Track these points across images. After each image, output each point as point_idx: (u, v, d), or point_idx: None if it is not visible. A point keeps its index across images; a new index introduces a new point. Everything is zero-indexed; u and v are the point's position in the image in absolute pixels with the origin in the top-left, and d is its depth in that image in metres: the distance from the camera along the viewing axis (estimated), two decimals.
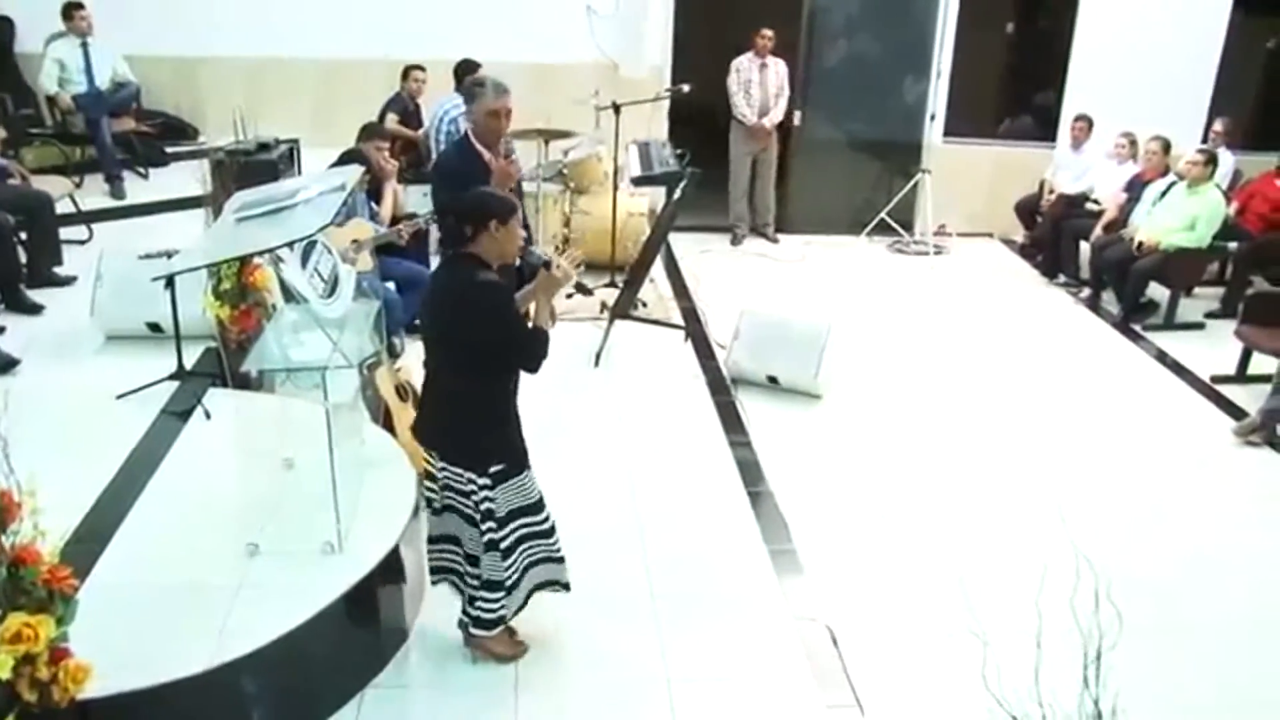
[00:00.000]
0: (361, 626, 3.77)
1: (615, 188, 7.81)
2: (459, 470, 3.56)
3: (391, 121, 8.13)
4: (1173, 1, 9.28)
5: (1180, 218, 7.80)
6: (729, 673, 3.94)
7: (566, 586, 3.88)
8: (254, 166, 6.90)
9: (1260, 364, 6.72)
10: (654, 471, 5.34)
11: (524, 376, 3.61)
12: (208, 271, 4.95)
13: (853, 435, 5.97)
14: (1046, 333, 7.80)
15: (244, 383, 5.02)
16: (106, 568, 3.63)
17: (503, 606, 3.70)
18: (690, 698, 3.77)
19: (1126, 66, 9.16)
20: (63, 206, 7.15)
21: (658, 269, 7.94)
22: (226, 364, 5.12)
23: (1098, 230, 8.45)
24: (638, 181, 8.08)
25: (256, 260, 4.88)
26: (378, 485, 4.17)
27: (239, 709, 3.37)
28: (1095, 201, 8.79)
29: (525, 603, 3.80)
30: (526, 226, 3.92)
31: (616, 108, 7.68)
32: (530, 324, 3.57)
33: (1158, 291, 8.07)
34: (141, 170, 8.61)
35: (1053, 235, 8.94)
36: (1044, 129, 9.89)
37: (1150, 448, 6.02)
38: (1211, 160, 7.84)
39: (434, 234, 6.20)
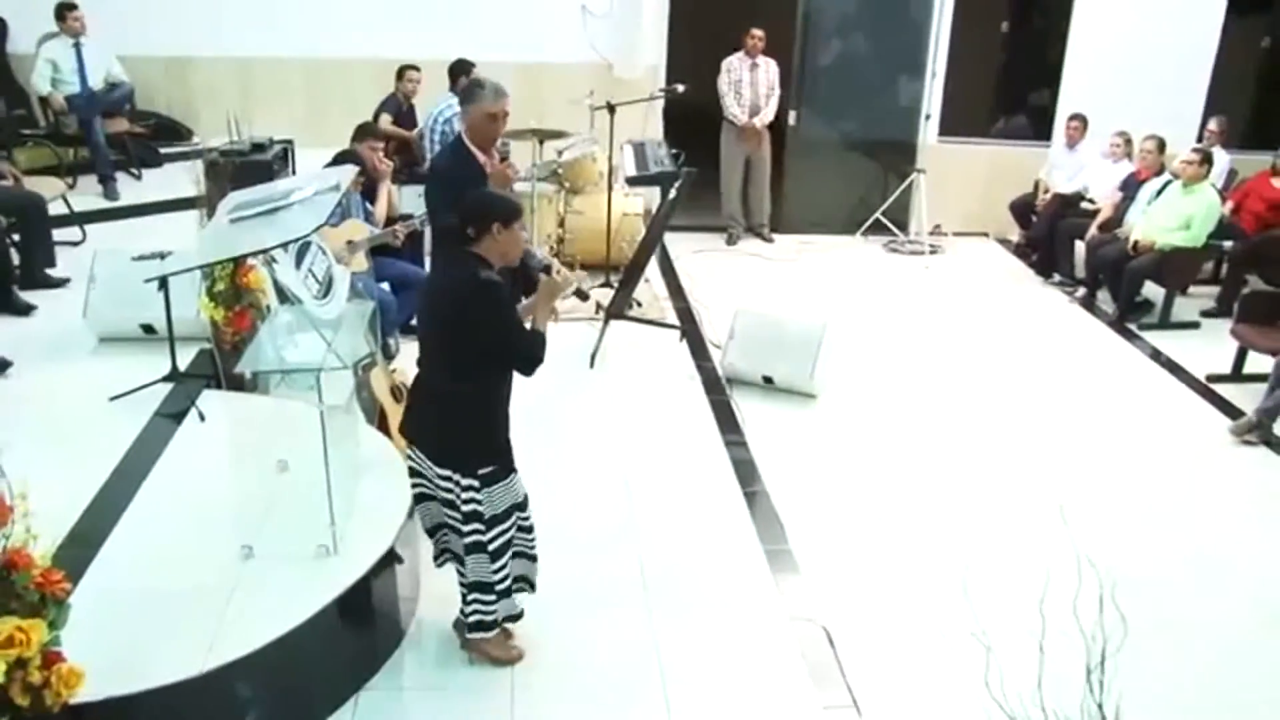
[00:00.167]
0: (357, 629, 3.76)
1: (610, 188, 7.80)
2: (446, 473, 3.55)
3: (386, 122, 8.11)
4: (1167, 1, 9.28)
5: (1175, 217, 7.80)
6: (725, 673, 3.93)
7: (532, 586, 3.88)
8: (248, 167, 6.90)
9: (1256, 363, 6.72)
10: (649, 472, 5.33)
11: (517, 379, 3.60)
12: (202, 273, 4.93)
13: (848, 435, 5.97)
14: (1042, 332, 7.79)
15: (238, 384, 5.00)
16: (100, 571, 3.62)
17: (494, 610, 3.70)
18: (686, 698, 3.77)
19: (1121, 66, 9.16)
20: (56, 208, 7.12)
21: (653, 269, 7.94)
22: (220, 365, 5.10)
23: (1093, 229, 8.44)
24: (633, 181, 8.07)
25: (251, 261, 4.87)
26: (373, 487, 4.16)
27: (233, 712, 3.35)
28: (1090, 201, 8.79)
29: (518, 612, 3.80)
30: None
31: (611, 108, 7.67)
32: (529, 326, 3.56)
33: (1153, 291, 8.07)
34: (135, 171, 8.60)
35: (1048, 235, 8.94)
36: (1039, 128, 9.89)
37: (1146, 447, 6.01)
38: (1207, 160, 7.83)
39: (428, 235, 6.19)
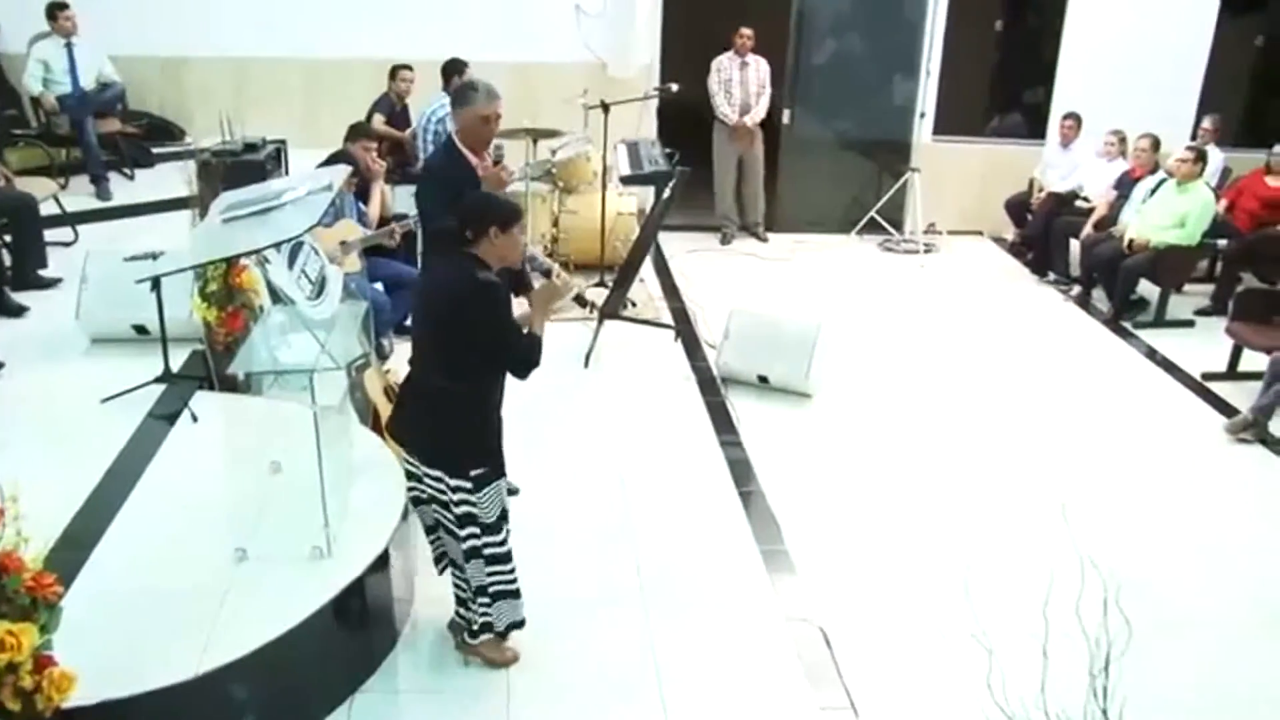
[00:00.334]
0: (351, 631, 3.74)
1: (604, 187, 7.79)
2: (438, 475, 3.53)
3: (378, 122, 8.08)
4: None
5: (1170, 215, 7.80)
6: (721, 674, 3.92)
7: (518, 625, 3.81)
8: (241, 167, 6.88)
9: (1250, 361, 6.72)
10: (645, 472, 5.32)
11: (512, 380, 3.58)
12: (194, 273, 4.91)
13: (844, 434, 5.96)
14: (1037, 331, 7.80)
15: (231, 385, 4.96)
16: (92, 574, 3.59)
17: (486, 614, 3.68)
18: (682, 700, 3.76)
19: (1115, 64, 9.15)
20: (47, 208, 7.09)
21: (647, 268, 7.92)
22: (213, 366, 5.07)
23: (1088, 228, 8.45)
24: (627, 181, 8.06)
25: (243, 261, 4.84)
26: (366, 488, 4.14)
27: (228, 716, 3.34)
28: (1085, 199, 8.79)
29: (506, 632, 3.79)
30: None
31: (605, 107, 7.66)
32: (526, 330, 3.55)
33: (1148, 289, 8.08)
34: (127, 171, 8.56)
35: (1043, 233, 8.94)
36: (1033, 127, 9.89)
37: (1142, 446, 6.01)
38: (1201, 158, 7.84)
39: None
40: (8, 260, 6.51)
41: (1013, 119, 10.21)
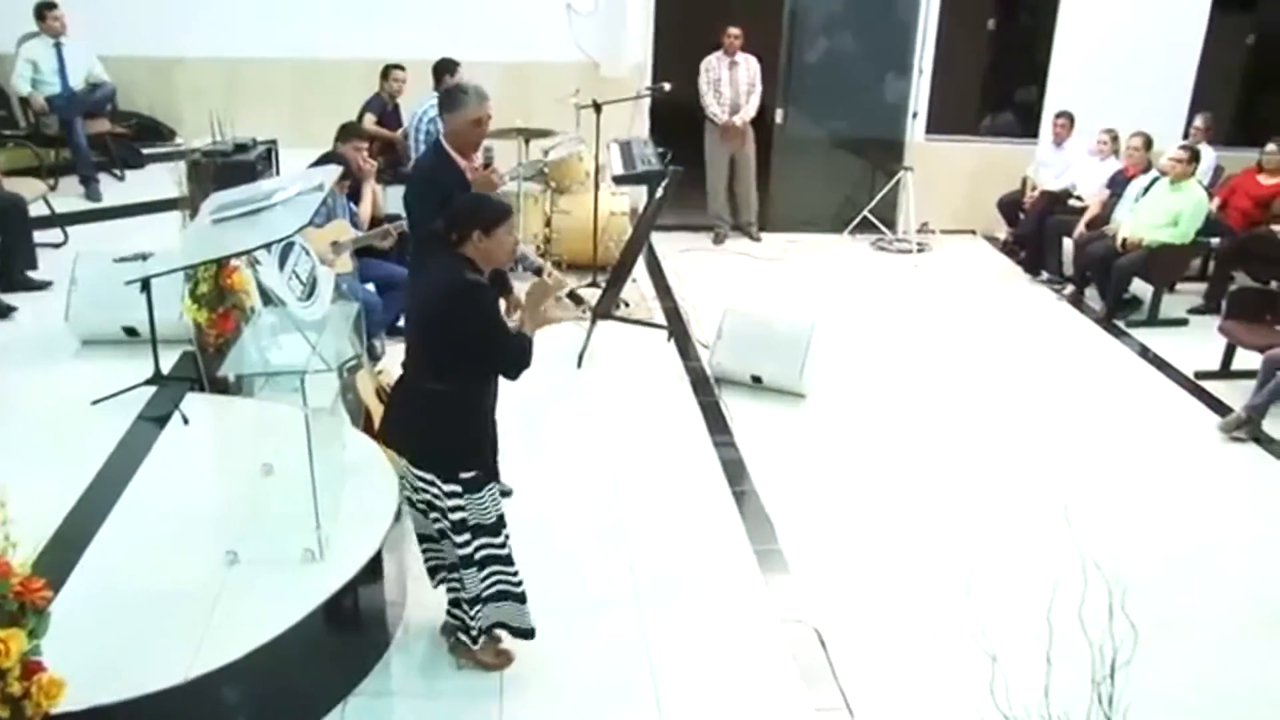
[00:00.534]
0: (344, 634, 3.72)
1: (596, 187, 7.77)
2: (429, 479, 3.51)
3: (370, 122, 8.06)
4: None
5: (1163, 214, 7.81)
6: (716, 675, 3.91)
7: (525, 634, 3.77)
8: (231, 168, 6.82)
9: (1244, 359, 6.73)
10: (638, 472, 5.30)
11: (504, 381, 3.56)
12: (185, 274, 4.88)
13: (837, 434, 5.95)
14: (1030, 330, 7.80)
15: (222, 387, 4.95)
16: (82, 578, 3.56)
17: (477, 617, 3.66)
18: (677, 701, 3.74)
19: (1107, 63, 9.16)
20: (37, 209, 7.04)
21: (640, 268, 7.91)
22: (204, 368, 5.05)
23: (1080, 227, 8.45)
24: (619, 180, 8.04)
25: (234, 262, 4.82)
26: (359, 490, 4.11)
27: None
28: (1078, 198, 8.80)
29: (491, 630, 3.76)
30: None
31: (597, 106, 7.64)
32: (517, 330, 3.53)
33: (1141, 288, 8.09)
34: (117, 172, 8.52)
35: (1036, 232, 8.95)
36: (1026, 126, 9.91)
37: (1135, 445, 6.01)
38: (1195, 158, 7.85)
39: None
40: None
41: (1005, 118, 10.24)
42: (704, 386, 6.36)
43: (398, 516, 3.99)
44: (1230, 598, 4.59)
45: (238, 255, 4.33)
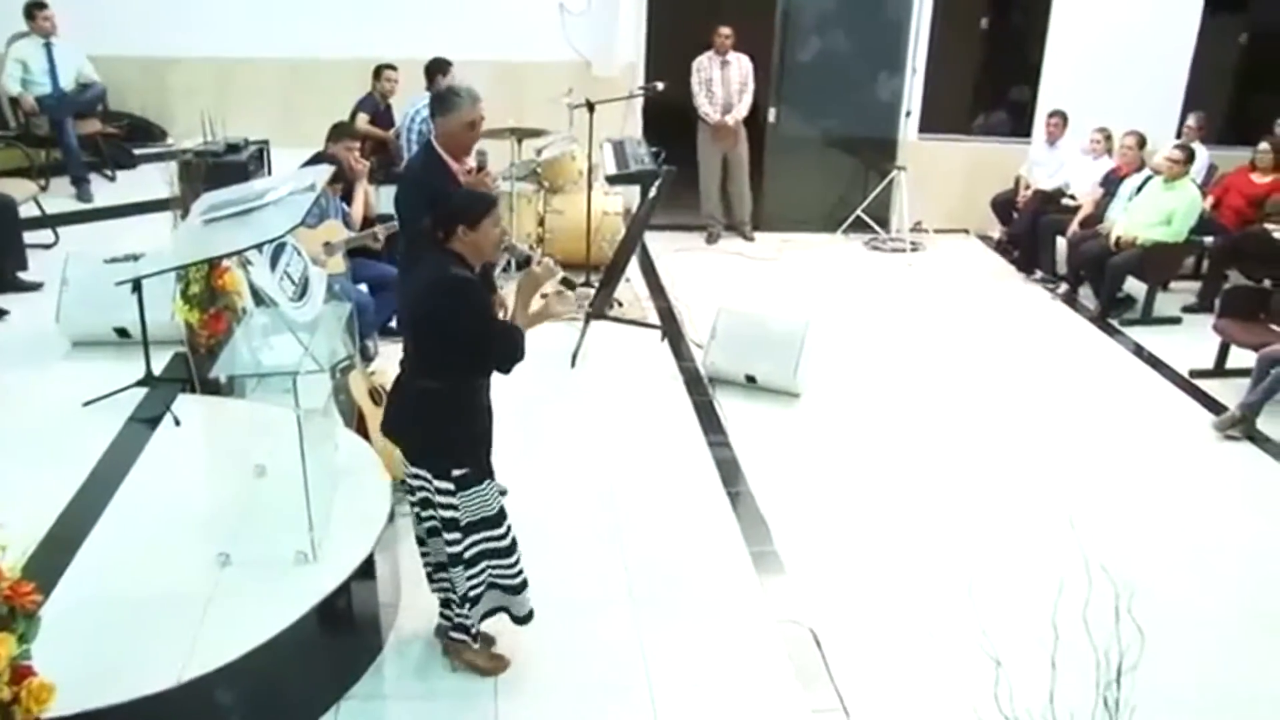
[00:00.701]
0: (337, 636, 3.71)
1: (590, 186, 7.75)
2: (423, 473, 3.50)
3: (362, 121, 8.04)
4: None
5: (1156, 212, 7.81)
6: (712, 676, 3.89)
7: (523, 620, 3.77)
8: (223, 168, 6.81)
9: (1238, 358, 6.73)
10: (632, 473, 5.29)
11: (498, 381, 3.54)
12: (176, 275, 4.85)
13: (832, 434, 5.94)
14: (1024, 329, 7.79)
15: (214, 388, 4.93)
16: (72, 581, 3.53)
17: (467, 616, 3.65)
18: (673, 702, 3.73)
19: (1101, 62, 9.15)
20: (27, 210, 7.01)
21: (633, 268, 7.90)
22: (195, 369, 5.03)
23: (1074, 226, 8.46)
24: (613, 180, 8.01)
25: (226, 263, 4.79)
26: (352, 492, 4.10)
27: None
28: (1071, 197, 8.80)
29: (482, 620, 3.75)
30: None
31: (590, 106, 7.62)
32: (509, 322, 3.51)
33: (1135, 286, 8.09)
34: (108, 173, 8.48)
35: (1029, 231, 8.95)
36: (1019, 125, 9.91)
37: (1131, 443, 6.01)
38: (1191, 158, 7.86)
39: None
40: None
41: (998, 117, 10.24)
42: (698, 386, 6.34)
43: (391, 518, 3.97)
44: (1231, 597, 4.58)
45: (229, 255, 4.31)
